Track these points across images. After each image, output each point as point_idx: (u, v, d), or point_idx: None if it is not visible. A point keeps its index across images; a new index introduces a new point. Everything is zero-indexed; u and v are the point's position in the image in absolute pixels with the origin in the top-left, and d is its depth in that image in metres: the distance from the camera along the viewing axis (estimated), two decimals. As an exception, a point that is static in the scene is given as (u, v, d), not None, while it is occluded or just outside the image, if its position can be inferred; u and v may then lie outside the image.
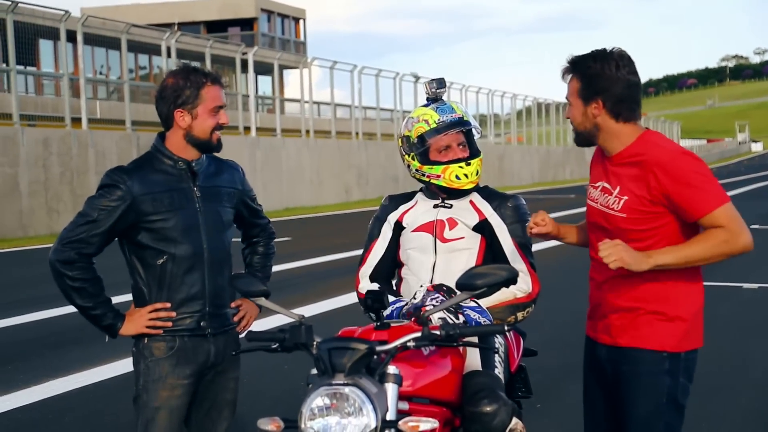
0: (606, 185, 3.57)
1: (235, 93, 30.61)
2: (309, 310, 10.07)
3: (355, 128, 34.76)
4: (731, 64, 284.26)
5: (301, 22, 55.95)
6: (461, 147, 4.00)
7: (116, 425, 6.24)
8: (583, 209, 3.84)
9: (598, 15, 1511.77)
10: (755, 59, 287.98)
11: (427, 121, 3.99)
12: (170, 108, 3.74)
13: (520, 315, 3.94)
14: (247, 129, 29.60)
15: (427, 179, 4.02)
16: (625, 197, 3.49)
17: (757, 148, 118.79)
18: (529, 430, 4.96)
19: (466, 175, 3.97)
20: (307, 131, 32.25)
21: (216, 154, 3.95)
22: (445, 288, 3.83)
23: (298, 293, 11.48)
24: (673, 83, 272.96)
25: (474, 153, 4.01)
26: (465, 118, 4.00)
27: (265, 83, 46.46)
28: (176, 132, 3.78)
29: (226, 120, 3.80)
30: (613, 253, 3.32)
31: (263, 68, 37.17)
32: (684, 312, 3.54)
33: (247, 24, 51.93)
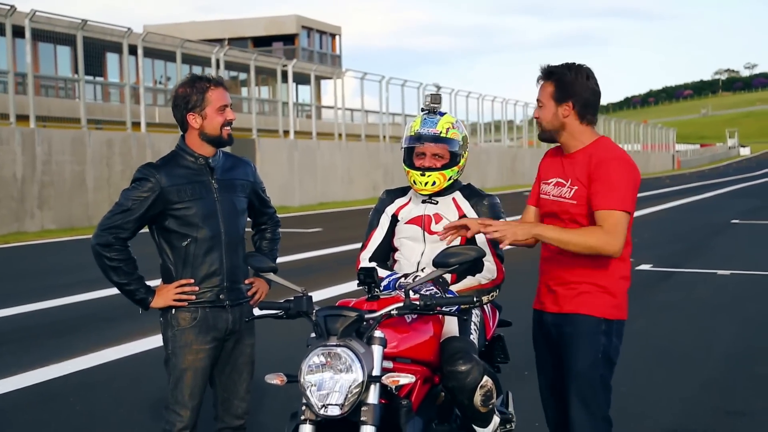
0: (560, 180, 3.73)
1: (275, 100, 30.74)
2: (334, 291, 10.24)
3: (383, 132, 34.89)
4: (724, 77, 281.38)
5: (337, 37, 56.15)
6: (435, 157, 4.07)
7: (160, 387, 6.44)
8: None
9: (607, 33, 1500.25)
10: (745, 73, 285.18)
11: (411, 128, 4.12)
12: (183, 113, 3.86)
13: (485, 298, 4.03)
14: (286, 132, 29.76)
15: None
16: (576, 187, 3.66)
17: (745, 152, 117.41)
18: (518, 395, 5.10)
19: (422, 183, 4.08)
20: (340, 135, 32.38)
21: (230, 151, 4.05)
22: (441, 280, 3.94)
23: (325, 276, 11.64)
24: (671, 94, 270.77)
25: (447, 165, 4.05)
26: (442, 135, 4.05)
27: (304, 92, 46.58)
28: (192, 133, 3.90)
29: (232, 116, 3.90)
30: (505, 230, 3.51)
31: (302, 78, 37.34)
32: (616, 289, 3.71)
33: (289, 39, 52.14)
